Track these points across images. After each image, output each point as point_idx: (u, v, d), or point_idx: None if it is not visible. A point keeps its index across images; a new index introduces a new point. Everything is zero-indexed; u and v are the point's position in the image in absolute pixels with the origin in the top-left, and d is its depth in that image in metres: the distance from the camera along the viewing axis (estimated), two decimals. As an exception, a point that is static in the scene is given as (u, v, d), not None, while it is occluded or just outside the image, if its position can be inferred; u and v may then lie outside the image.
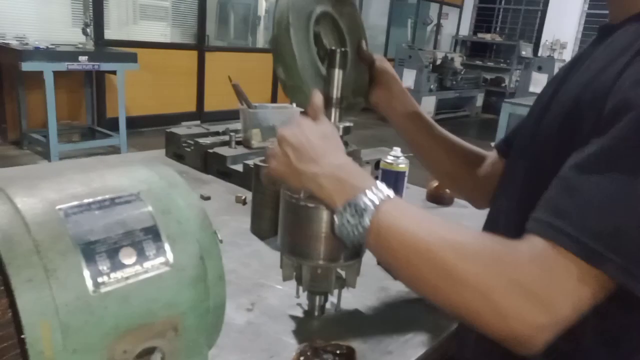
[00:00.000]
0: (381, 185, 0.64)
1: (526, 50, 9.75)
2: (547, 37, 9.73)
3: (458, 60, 9.15)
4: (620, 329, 0.65)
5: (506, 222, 0.78)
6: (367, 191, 0.63)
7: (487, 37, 11.24)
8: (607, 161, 0.54)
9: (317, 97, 0.75)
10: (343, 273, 0.85)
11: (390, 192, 0.64)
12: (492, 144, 1.04)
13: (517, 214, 0.65)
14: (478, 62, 10.69)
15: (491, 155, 1.01)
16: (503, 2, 11.79)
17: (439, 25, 11.39)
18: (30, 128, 4.87)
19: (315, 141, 0.69)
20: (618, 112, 0.55)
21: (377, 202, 0.62)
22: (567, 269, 0.53)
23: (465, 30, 12.07)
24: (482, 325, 0.56)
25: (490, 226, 0.86)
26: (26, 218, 0.53)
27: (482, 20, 11.96)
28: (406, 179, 1.35)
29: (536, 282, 0.53)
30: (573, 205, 0.54)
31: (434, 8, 11.19)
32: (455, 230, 0.61)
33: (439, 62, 8.86)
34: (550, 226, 0.54)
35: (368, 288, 0.93)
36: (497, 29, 11.76)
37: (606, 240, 0.52)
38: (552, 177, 0.58)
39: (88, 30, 4.73)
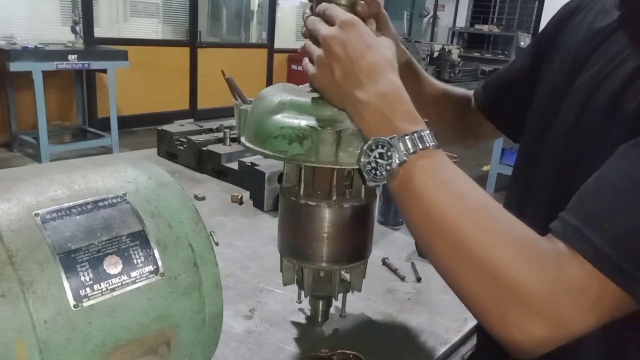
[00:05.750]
0: (426, 134, 0.56)
1: (524, 41, 9.69)
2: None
3: (455, 52, 9.13)
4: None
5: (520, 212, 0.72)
6: (406, 137, 0.55)
7: (485, 28, 11.23)
8: None
9: None
10: (347, 276, 0.80)
11: (433, 143, 0.56)
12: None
13: (545, 204, 0.59)
14: (476, 54, 10.66)
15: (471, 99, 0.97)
16: (500, -7, 11.76)
17: (435, 17, 11.36)
18: (20, 130, 4.80)
19: (366, 58, 0.59)
20: None
21: (411, 152, 0.55)
22: (586, 283, 0.47)
23: (462, 21, 12.05)
24: (481, 319, 0.52)
25: None
26: (-2, 225, 0.48)
27: (479, 12, 11.96)
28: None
29: (551, 292, 0.48)
30: (607, 213, 0.48)
31: (429, -1, 11.17)
32: (488, 209, 0.54)
33: (436, 54, 8.85)
34: (576, 231, 0.49)
35: (374, 290, 0.88)
36: (495, 20, 11.76)
37: (636, 258, 0.46)
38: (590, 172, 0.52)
39: (77, 28, 4.65)
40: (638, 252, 0.46)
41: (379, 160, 0.56)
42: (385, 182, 0.58)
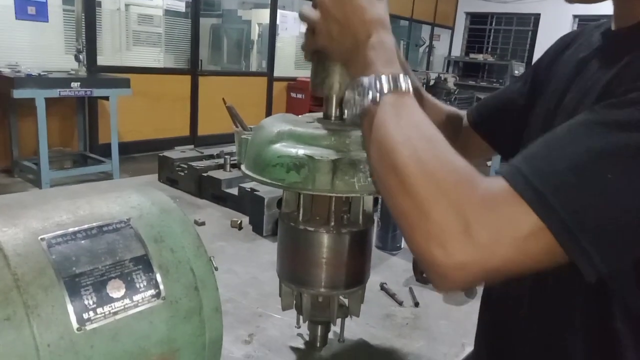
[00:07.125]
0: (402, 78, 0.61)
1: (519, 70, 9.86)
2: (538, 55, 9.90)
3: (451, 81, 9.24)
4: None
5: None
6: (382, 76, 0.61)
7: (479, 57, 11.43)
8: (602, 127, 0.51)
9: None
10: (346, 301, 0.81)
11: (407, 86, 0.61)
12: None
13: None
14: (471, 82, 10.80)
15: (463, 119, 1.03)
16: (494, 23, 12.03)
17: (431, 47, 11.56)
18: (21, 155, 4.83)
19: (360, 17, 0.66)
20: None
21: (384, 90, 0.60)
22: (515, 214, 0.49)
23: (457, 51, 12.27)
24: (411, 242, 0.54)
25: None
26: (5, 250, 0.49)
27: (474, 41, 12.21)
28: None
29: (478, 216, 0.49)
30: (547, 155, 0.52)
31: (425, 30, 11.40)
32: (436, 139, 0.57)
33: (432, 82, 8.94)
34: (514, 168, 0.52)
35: (373, 316, 0.89)
36: (489, 50, 11.98)
37: (563, 195, 0.49)
38: None
39: (81, 56, 4.73)
40: (566, 188, 0.49)
41: (356, 97, 0.63)
42: (359, 116, 0.63)
